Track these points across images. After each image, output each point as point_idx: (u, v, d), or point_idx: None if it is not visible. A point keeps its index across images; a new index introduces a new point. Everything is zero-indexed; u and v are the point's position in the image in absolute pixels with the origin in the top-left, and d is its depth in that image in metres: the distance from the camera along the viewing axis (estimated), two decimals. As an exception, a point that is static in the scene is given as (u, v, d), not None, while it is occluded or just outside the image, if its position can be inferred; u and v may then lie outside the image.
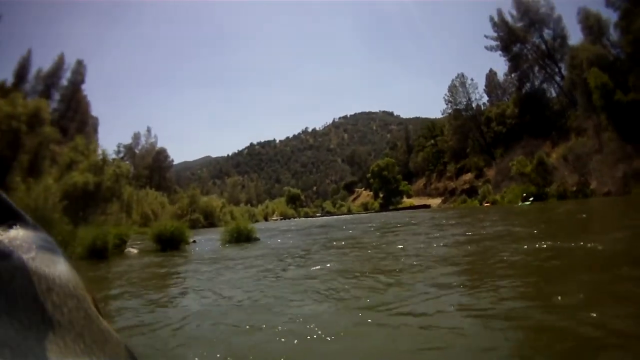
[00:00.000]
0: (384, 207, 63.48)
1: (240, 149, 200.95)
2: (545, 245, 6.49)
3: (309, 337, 2.99)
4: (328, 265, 6.58)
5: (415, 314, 3.43)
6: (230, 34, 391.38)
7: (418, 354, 2.60)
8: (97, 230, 10.79)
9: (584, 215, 13.20)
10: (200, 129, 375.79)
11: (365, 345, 2.82)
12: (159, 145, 62.87)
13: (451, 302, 3.67)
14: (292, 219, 60.99)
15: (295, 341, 2.93)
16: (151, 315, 4.19)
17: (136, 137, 61.81)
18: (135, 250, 11.51)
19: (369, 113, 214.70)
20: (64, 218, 10.91)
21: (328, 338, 2.96)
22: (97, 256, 9.91)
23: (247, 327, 3.41)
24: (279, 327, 3.26)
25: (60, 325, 0.29)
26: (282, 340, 2.98)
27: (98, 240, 10.18)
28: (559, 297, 3.43)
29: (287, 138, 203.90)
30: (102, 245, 10.20)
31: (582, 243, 6.26)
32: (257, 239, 12.89)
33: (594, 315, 2.90)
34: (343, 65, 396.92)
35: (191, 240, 12.80)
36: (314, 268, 6.31)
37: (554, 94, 44.93)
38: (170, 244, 11.53)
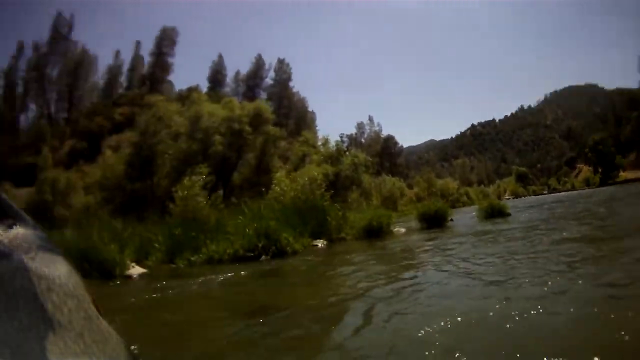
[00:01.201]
0: (602, 182, 59.79)
1: (462, 130, 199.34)
2: None
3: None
4: (577, 234, 6.72)
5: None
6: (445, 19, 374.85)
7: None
8: (373, 213, 12.26)
9: None
10: (423, 113, 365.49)
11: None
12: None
13: None
14: (522, 197, 59.40)
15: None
16: (471, 268, 4.91)
17: (360, 126, 63.19)
18: (402, 230, 12.24)
19: (577, 87, 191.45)
20: (333, 205, 12.00)
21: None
22: (373, 235, 11.01)
23: (527, 280, 3.60)
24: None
25: (60, 325, 0.29)
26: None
27: (374, 221, 11.45)
28: None
29: (506, 117, 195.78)
30: (377, 226, 11.40)
31: None
32: (508, 214, 13.31)
33: None
34: (549, 39, 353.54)
35: (449, 218, 13.34)
36: (562, 236, 6.53)
37: None
38: (434, 222, 12.52)
